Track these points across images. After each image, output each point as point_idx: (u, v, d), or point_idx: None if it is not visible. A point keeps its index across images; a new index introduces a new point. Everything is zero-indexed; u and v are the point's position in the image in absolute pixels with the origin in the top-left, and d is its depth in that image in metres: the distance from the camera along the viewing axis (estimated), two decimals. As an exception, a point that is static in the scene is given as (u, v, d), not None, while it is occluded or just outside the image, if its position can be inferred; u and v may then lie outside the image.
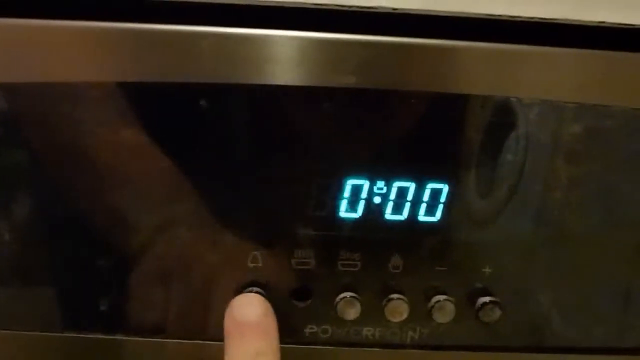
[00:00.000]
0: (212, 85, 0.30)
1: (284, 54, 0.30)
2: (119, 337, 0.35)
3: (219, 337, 0.35)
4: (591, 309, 0.37)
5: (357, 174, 0.33)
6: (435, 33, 0.31)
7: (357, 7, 0.31)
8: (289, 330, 0.35)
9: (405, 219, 0.34)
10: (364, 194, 0.33)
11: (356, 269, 0.34)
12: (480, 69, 0.31)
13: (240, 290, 0.34)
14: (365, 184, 0.33)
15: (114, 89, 0.31)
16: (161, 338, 0.36)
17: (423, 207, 0.34)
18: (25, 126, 0.32)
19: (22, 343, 0.36)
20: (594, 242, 0.35)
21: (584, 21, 0.31)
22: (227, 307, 0.32)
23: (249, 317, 0.32)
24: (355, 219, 0.34)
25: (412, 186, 0.33)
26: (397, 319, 0.34)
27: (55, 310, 0.35)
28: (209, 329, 0.35)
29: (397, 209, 0.34)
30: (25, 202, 0.33)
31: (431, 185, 0.33)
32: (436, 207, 0.34)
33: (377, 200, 0.33)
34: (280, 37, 0.30)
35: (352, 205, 0.33)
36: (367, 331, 0.35)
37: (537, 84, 0.31)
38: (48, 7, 0.30)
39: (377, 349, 0.36)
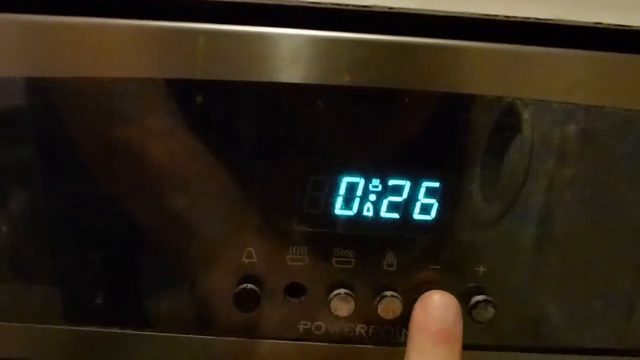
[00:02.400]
0: (207, 82, 0.31)
1: (279, 51, 0.31)
2: (113, 330, 0.36)
3: (215, 331, 0.35)
4: (588, 310, 0.37)
5: (353, 171, 0.33)
6: (436, 33, 0.31)
7: (353, 5, 0.31)
8: (283, 326, 0.35)
9: (400, 217, 0.34)
10: (359, 192, 0.33)
11: (350, 266, 0.34)
12: (477, 69, 0.31)
13: (235, 285, 0.34)
14: (361, 182, 0.33)
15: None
16: (155, 332, 0.36)
17: (418, 206, 0.34)
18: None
19: (22, 335, 0.37)
20: (591, 244, 0.35)
21: (579, 22, 0.31)
22: (420, 300, 0.33)
23: (449, 322, 0.31)
24: (350, 216, 0.34)
25: (407, 184, 0.33)
26: (390, 317, 0.34)
27: (53, 303, 0.36)
28: (204, 323, 0.36)
29: (392, 207, 0.34)
30: (23, 195, 0.34)
31: (426, 184, 0.33)
32: (431, 205, 0.34)
33: (372, 198, 0.34)
34: (276, 34, 0.30)
35: (347, 203, 0.34)
36: (360, 328, 0.36)
37: (535, 84, 0.32)
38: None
39: (371, 346, 0.36)
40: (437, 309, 0.32)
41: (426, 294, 0.33)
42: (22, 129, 0.33)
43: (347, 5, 0.31)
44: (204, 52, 0.31)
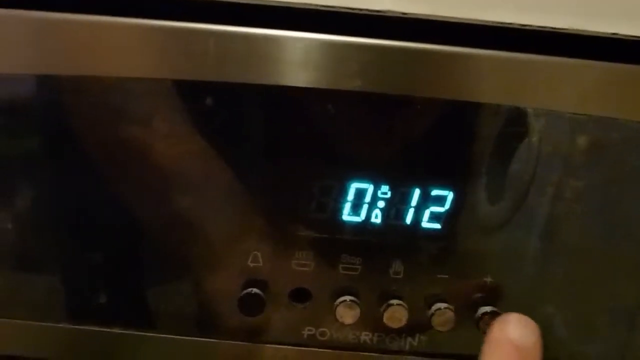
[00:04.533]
0: (217, 84, 0.31)
1: (290, 55, 0.30)
2: (116, 330, 0.36)
3: (218, 334, 0.35)
4: (593, 323, 0.36)
5: (361, 177, 0.33)
6: (449, 40, 0.31)
7: (367, 10, 0.30)
8: (287, 331, 0.35)
9: (408, 225, 0.33)
10: (367, 198, 0.33)
11: (356, 272, 0.34)
12: (488, 77, 0.31)
13: (240, 289, 0.34)
14: (370, 188, 0.33)
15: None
16: (158, 333, 0.36)
17: (427, 214, 0.33)
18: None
19: (24, 332, 0.37)
20: (599, 256, 0.34)
21: (596, 32, 0.31)
22: (498, 319, 0.31)
23: (527, 341, 0.30)
24: (358, 222, 0.33)
25: (416, 192, 0.33)
26: (395, 325, 0.34)
27: (56, 300, 0.36)
28: (208, 326, 0.36)
29: (401, 215, 0.33)
30: (27, 192, 0.34)
31: (436, 192, 0.33)
32: (440, 214, 0.33)
33: (380, 204, 0.33)
34: (287, 37, 0.30)
35: (355, 209, 0.33)
36: (365, 335, 0.35)
37: (546, 94, 0.31)
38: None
39: (375, 354, 0.36)
40: (515, 327, 0.30)
41: (504, 314, 0.31)
42: (29, 126, 0.33)
43: (360, 9, 0.30)
44: (215, 54, 0.30)
